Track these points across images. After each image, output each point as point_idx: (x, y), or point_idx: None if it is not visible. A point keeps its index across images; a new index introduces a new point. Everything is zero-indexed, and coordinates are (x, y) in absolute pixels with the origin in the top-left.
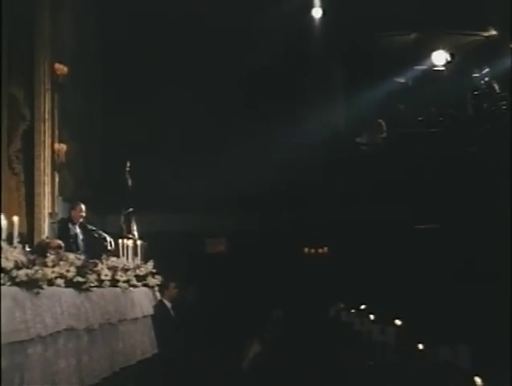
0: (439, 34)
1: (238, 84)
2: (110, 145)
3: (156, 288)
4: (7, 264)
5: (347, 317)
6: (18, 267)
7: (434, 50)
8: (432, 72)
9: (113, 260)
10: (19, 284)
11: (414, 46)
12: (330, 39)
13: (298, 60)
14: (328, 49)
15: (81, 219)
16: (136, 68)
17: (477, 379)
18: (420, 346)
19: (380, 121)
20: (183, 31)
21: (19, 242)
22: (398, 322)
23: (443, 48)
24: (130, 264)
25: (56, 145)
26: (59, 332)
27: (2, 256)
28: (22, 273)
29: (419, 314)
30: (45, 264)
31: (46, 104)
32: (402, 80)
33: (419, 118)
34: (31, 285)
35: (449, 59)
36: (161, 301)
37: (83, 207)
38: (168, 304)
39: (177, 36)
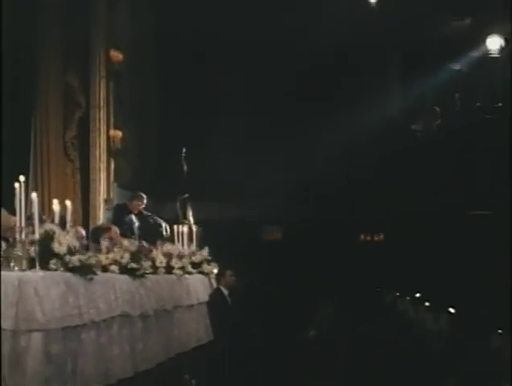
0: (494, 19)
1: (294, 72)
2: (166, 131)
3: (212, 275)
4: (60, 249)
5: (402, 305)
6: (71, 252)
7: (489, 35)
8: (487, 59)
9: (168, 247)
10: (72, 269)
11: (468, 31)
12: (385, 26)
13: (354, 48)
14: (383, 36)
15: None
16: (193, 55)
17: None
18: (473, 334)
19: (435, 107)
20: (236, 25)
21: (72, 226)
22: (452, 309)
23: (499, 33)
24: (185, 250)
25: (112, 132)
26: (113, 318)
27: (55, 240)
28: (75, 259)
29: (475, 302)
30: (99, 250)
31: (101, 92)
32: (457, 66)
33: (477, 104)
34: (85, 270)
35: (503, 44)
36: (218, 288)
37: (144, 199)
38: (225, 291)
39: (230, 27)
